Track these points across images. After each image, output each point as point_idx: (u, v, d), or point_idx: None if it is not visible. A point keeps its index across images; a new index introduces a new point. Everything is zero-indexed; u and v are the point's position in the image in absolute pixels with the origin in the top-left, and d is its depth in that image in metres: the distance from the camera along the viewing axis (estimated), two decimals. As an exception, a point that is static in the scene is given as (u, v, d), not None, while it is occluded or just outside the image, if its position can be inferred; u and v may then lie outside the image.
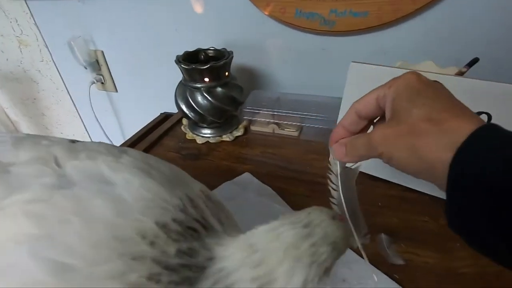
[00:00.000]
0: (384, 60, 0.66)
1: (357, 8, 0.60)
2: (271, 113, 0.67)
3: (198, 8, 0.74)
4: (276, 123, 0.67)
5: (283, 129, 0.68)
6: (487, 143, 0.19)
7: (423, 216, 0.45)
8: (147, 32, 0.81)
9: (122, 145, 0.66)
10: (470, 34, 0.58)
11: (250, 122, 0.70)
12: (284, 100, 0.70)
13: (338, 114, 0.54)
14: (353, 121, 0.28)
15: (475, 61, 0.47)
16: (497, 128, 0.20)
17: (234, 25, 0.73)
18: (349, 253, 0.40)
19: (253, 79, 0.78)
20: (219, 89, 0.61)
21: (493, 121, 0.41)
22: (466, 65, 0.47)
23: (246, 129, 0.69)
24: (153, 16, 0.78)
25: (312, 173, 0.56)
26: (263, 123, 0.69)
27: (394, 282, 0.36)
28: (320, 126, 0.63)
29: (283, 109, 0.66)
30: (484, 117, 0.41)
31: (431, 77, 0.43)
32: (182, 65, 0.58)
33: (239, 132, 0.67)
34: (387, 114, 0.25)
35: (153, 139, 0.67)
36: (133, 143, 0.67)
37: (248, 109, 0.66)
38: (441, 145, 0.20)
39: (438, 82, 0.26)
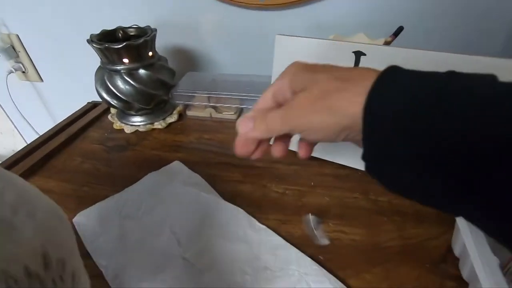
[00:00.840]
0: (320, 33, 0.63)
1: (288, -21, 0.56)
2: (207, 96, 0.62)
3: (119, -19, 0.66)
4: (213, 107, 0.63)
5: (221, 113, 0.64)
6: (394, 84, 0.19)
7: (354, 193, 0.44)
8: (64, 10, 0.72)
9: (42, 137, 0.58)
10: (400, 4, 0.57)
11: (186, 106, 0.65)
12: (221, 82, 0.65)
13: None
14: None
15: (400, 29, 0.46)
16: (400, 69, 0.21)
17: (161, 2, 0.66)
18: (275, 238, 0.38)
19: (187, 60, 0.73)
20: (142, 71, 0.55)
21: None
22: (392, 34, 0.46)
23: (182, 115, 0.64)
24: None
25: (248, 156, 0.53)
26: (199, 108, 0.64)
27: (317, 264, 0.34)
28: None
29: (220, 91, 0.62)
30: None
31: (360, 47, 0.41)
32: (94, 45, 0.51)
33: (172, 119, 0.62)
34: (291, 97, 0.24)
35: (74, 130, 0.60)
36: (50, 137, 0.59)
37: (182, 92, 0.61)
38: (355, 96, 0.20)
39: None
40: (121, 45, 0.50)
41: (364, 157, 0.20)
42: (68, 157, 0.55)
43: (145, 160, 0.54)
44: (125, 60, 0.53)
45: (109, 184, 0.48)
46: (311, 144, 0.28)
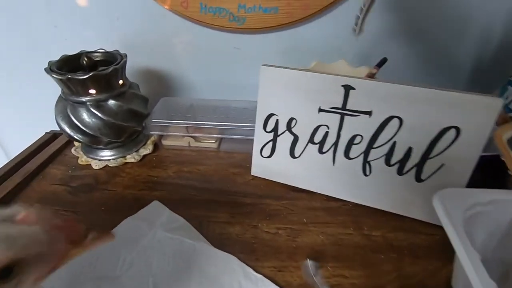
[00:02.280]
0: (300, 58, 0.62)
1: (266, 4, 0.54)
2: (185, 124, 0.58)
3: (82, 1, 0.60)
4: (192, 135, 0.59)
5: (200, 141, 0.60)
6: None
7: (347, 228, 0.43)
8: (19, 30, 0.64)
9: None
10: (377, 31, 0.58)
11: (161, 136, 0.60)
12: (199, 108, 0.61)
13: (256, 119, 0.49)
14: None
15: (383, 61, 0.46)
16: None
17: (130, 21, 0.61)
18: (274, 290, 0.35)
19: (160, 84, 0.68)
20: (111, 102, 0.49)
21: (404, 123, 0.40)
22: (376, 65, 0.46)
23: (157, 145, 0.59)
24: (25, 8, 0.61)
25: (234, 191, 0.50)
26: (176, 137, 0.59)
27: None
28: (240, 137, 0.57)
29: (198, 118, 0.58)
30: (396, 121, 0.40)
31: (350, 81, 0.41)
32: (54, 75, 0.45)
33: (147, 150, 0.57)
34: None
35: (32, 169, 0.52)
36: (2, 177, 0.51)
37: (156, 122, 0.56)
38: None
39: None
40: (86, 76, 0.45)
41: None
42: (24, 203, 0.47)
43: (118, 201, 0.48)
44: (92, 91, 0.47)
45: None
46: None
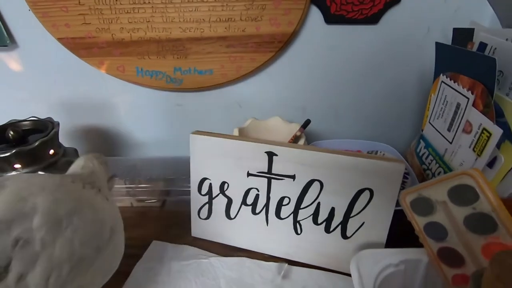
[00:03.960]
0: (241, 112, 0.65)
1: (201, 66, 0.57)
2: (127, 186, 0.57)
3: (15, 65, 0.59)
4: (133, 195, 0.58)
5: (143, 201, 0.59)
6: None
7: None
8: None
9: None
10: (309, 87, 0.62)
11: (102, 198, 0.58)
12: (143, 166, 0.61)
13: (190, 184, 0.49)
14: None
15: (307, 123, 0.49)
16: None
17: (66, 83, 0.61)
18: None
19: (103, 145, 0.67)
20: (41, 173, 0.48)
21: (325, 186, 0.42)
22: (301, 127, 0.49)
23: (97, 209, 0.58)
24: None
25: (173, 256, 0.49)
26: (117, 198, 0.58)
27: None
28: (182, 197, 0.57)
29: (142, 178, 0.58)
30: (317, 184, 0.42)
31: (272, 148, 0.43)
32: (-27, 154, 0.43)
33: (84, 216, 0.55)
34: None
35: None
36: None
37: (94, 185, 0.55)
38: None
39: None
40: (9, 153, 0.43)
41: None
42: None
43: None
44: (17, 166, 0.46)
45: None
46: None
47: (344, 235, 0.44)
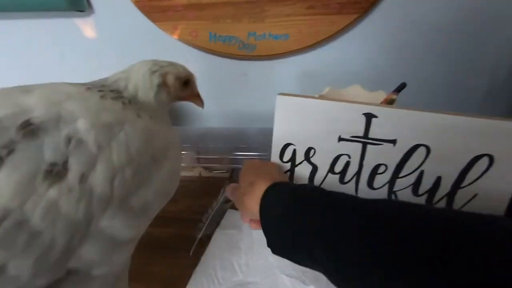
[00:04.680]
0: (311, 83, 0.61)
1: (277, 31, 0.54)
2: (195, 155, 0.56)
3: (90, 32, 0.59)
4: (203, 166, 0.57)
5: (212, 172, 0.57)
6: (272, 194, 0.32)
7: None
8: (25, 61, 0.63)
9: None
10: (393, 54, 0.57)
11: (171, 166, 0.58)
12: (210, 137, 0.60)
13: (272, 150, 0.47)
14: None
15: (402, 86, 0.44)
16: (278, 184, 0.34)
17: (138, 51, 0.61)
18: None
19: (170, 115, 0.67)
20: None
21: (432, 152, 0.38)
22: (395, 90, 0.44)
23: (167, 177, 0.57)
24: (32, 40, 0.61)
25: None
26: (187, 167, 0.57)
27: None
28: (253, 165, 0.55)
29: (209, 148, 0.56)
30: (423, 150, 0.38)
31: (371, 109, 0.39)
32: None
33: (157, 183, 0.54)
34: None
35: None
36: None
37: (166, 152, 0.54)
38: (254, 199, 0.33)
39: (260, 161, 0.44)
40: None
41: (267, 244, 0.31)
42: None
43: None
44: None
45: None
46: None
47: (450, 208, 0.39)
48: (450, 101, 0.59)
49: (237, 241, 0.43)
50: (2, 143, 0.19)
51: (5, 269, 0.18)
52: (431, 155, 0.38)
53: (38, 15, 0.58)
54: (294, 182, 0.46)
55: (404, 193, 0.41)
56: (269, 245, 0.31)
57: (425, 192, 0.40)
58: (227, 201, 0.43)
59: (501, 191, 0.36)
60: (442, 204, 0.39)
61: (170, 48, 0.59)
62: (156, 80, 0.32)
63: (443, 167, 0.38)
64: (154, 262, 0.42)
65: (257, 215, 0.32)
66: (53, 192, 0.19)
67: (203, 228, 0.43)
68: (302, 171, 0.45)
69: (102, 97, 0.27)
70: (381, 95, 0.50)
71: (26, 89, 0.24)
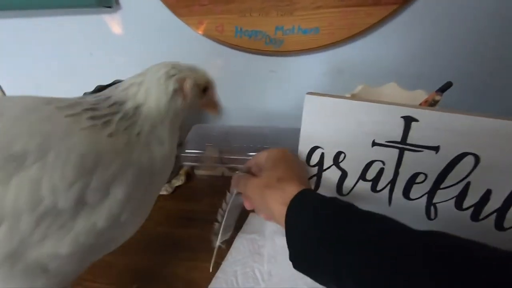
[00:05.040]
0: (344, 81, 0.58)
1: (306, 25, 0.51)
2: (218, 154, 0.54)
3: (117, 28, 0.59)
4: (226, 165, 0.55)
5: (235, 171, 0.56)
6: (301, 203, 0.29)
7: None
8: (56, 57, 0.65)
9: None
10: (436, 49, 0.52)
11: (194, 165, 0.57)
12: (234, 135, 0.58)
13: (298, 148, 0.44)
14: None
15: (448, 85, 0.40)
16: (308, 192, 0.29)
17: (163, 46, 0.60)
18: None
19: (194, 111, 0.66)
20: (145, 134, 0.47)
21: (482, 161, 0.33)
22: (439, 90, 0.40)
23: (189, 175, 0.56)
24: (62, 37, 0.62)
25: (273, 230, 0.45)
26: (209, 166, 0.56)
27: None
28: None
29: (233, 147, 0.55)
30: (470, 158, 0.34)
31: (410, 112, 0.35)
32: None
33: (179, 181, 0.54)
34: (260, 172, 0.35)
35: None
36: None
37: (189, 153, 0.54)
38: (281, 204, 0.29)
39: (294, 154, 0.39)
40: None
41: (290, 257, 0.28)
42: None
43: (151, 241, 0.45)
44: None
45: (109, 278, 0.39)
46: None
47: (499, 226, 0.35)
48: (501, 104, 0.53)
49: (259, 247, 0.42)
50: None
51: None
52: (480, 165, 0.33)
53: (68, 11, 0.58)
54: (321, 187, 0.44)
55: (445, 206, 0.37)
56: (291, 259, 0.28)
57: (470, 206, 0.35)
58: (239, 192, 0.38)
59: None
60: (491, 221, 0.35)
61: (195, 44, 0.58)
62: (172, 85, 0.29)
63: (494, 180, 0.33)
64: (175, 263, 0.41)
65: (278, 219, 0.29)
66: None
67: (219, 234, 0.41)
68: (330, 177, 0.42)
69: (73, 120, 0.24)
70: (421, 95, 0.45)
71: None
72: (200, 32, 0.55)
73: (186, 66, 0.32)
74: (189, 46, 0.58)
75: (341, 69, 0.56)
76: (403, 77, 0.54)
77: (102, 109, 0.26)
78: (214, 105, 0.37)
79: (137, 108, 0.28)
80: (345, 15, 0.49)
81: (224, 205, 0.40)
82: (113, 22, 0.59)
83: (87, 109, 0.25)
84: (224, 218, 0.40)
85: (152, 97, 0.28)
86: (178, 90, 0.30)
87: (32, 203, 0.20)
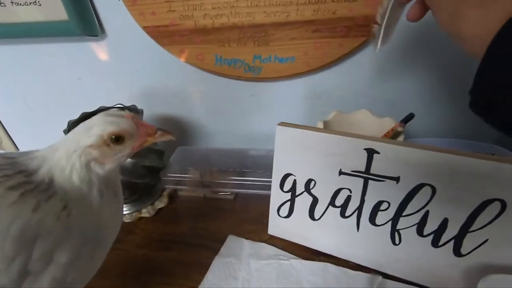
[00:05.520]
0: (319, 105, 0.60)
1: (282, 54, 0.53)
2: (200, 177, 0.56)
3: (103, 55, 0.62)
4: (208, 186, 0.57)
5: (216, 193, 0.58)
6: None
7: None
8: (45, 82, 0.67)
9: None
10: (403, 78, 0.55)
11: (176, 186, 0.59)
12: (215, 158, 0.60)
13: (272, 178, 0.46)
14: None
15: (410, 117, 0.42)
16: None
17: (149, 72, 0.62)
18: None
19: (178, 133, 0.68)
20: (127, 160, 0.49)
21: (438, 192, 0.35)
22: (402, 121, 0.42)
23: (172, 197, 0.58)
24: (51, 63, 0.64)
25: (249, 253, 0.47)
26: (191, 189, 0.58)
27: None
28: (257, 192, 0.54)
29: (214, 171, 0.57)
30: (428, 189, 0.36)
31: (372, 144, 0.37)
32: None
33: (162, 203, 0.56)
34: None
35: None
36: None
37: (172, 176, 0.55)
38: (480, 21, 0.23)
39: None
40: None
41: (473, 93, 0.24)
42: None
43: (130, 263, 0.46)
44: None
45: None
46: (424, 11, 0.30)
47: (457, 252, 0.37)
48: (467, 131, 0.55)
49: (234, 271, 0.43)
50: None
51: None
52: (437, 196, 0.36)
53: (58, 39, 0.61)
54: (295, 212, 0.46)
55: (408, 232, 0.39)
56: (474, 94, 0.24)
57: (430, 233, 0.37)
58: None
59: (515, 238, 0.33)
60: (450, 247, 0.37)
61: (178, 70, 0.60)
62: (77, 161, 0.27)
63: (450, 209, 0.36)
64: (153, 287, 0.43)
65: (471, 44, 0.24)
66: None
67: (380, 38, 0.35)
68: (303, 202, 0.44)
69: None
70: (390, 122, 0.48)
71: None
72: (182, 60, 0.57)
73: (84, 128, 0.28)
74: (174, 72, 0.61)
75: (318, 94, 0.59)
76: (376, 102, 0.56)
77: (18, 177, 0.25)
78: (153, 139, 0.31)
79: (51, 182, 0.26)
80: (319, 46, 0.51)
81: (385, 1, 0.33)
82: (99, 50, 0.61)
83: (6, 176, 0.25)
84: (386, 18, 0.33)
85: (59, 179, 0.27)
86: (89, 161, 0.28)
87: None
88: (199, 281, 0.42)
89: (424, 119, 0.57)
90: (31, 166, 0.27)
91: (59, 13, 0.54)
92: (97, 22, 0.57)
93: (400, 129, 0.42)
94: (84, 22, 0.55)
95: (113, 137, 0.28)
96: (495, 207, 0.33)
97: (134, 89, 0.64)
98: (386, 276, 0.41)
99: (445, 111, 0.56)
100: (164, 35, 0.54)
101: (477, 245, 0.35)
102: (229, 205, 0.57)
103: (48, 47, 0.62)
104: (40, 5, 0.54)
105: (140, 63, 0.61)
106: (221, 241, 0.49)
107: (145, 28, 0.55)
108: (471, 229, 0.35)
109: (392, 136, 0.43)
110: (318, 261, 0.44)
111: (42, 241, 0.24)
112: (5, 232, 0.22)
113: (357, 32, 0.49)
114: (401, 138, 0.43)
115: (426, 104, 0.56)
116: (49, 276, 0.24)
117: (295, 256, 0.45)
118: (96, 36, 0.58)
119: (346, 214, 0.42)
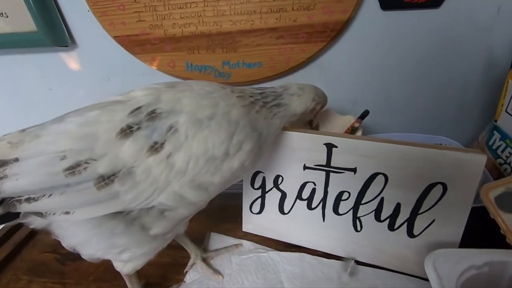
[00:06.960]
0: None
1: (250, 60, 0.56)
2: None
3: (74, 65, 0.62)
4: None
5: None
6: None
7: None
8: (16, 93, 0.66)
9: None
10: (362, 78, 0.59)
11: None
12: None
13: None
14: None
15: (366, 114, 0.46)
16: None
17: (121, 80, 0.63)
18: None
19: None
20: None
21: (390, 180, 0.39)
22: (358, 118, 0.46)
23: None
24: (20, 75, 0.64)
25: (225, 250, 0.48)
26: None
27: None
28: (232, 191, 0.56)
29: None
30: (381, 178, 0.40)
31: (331, 139, 0.41)
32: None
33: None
34: None
35: (24, 235, 0.52)
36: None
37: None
38: None
39: None
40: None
41: None
42: (12, 276, 0.46)
43: (106, 270, 0.47)
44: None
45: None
46: None
47: (410, 233, 0.40)
48: (422, 123, 0.61)
49: (215, 266, 0.45)
50: (136, 121, 0.30)
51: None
52: (389, 183, 0.39)
53: (27, 50, 0.61)
54: (266, 207, 0.48)
55: (367, 219, 0.42)
56: None
57: (386, 218, 0.41)
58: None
59: (456, 217, 0.37)
60: (404, 229, 0.40)
61: (150, 77, 0.62)
62: (312, 106, 0.43)
63: (401, 194, 0.39)
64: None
65: None
66: (150, 160, 0.30)
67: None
68: (273, 197, 0.47)
69: (240, 99, 0.36)
70: (350, 120, 0.51)
71: (171, 85, 0.35)
72: (154, 67, 0.59)
73: (322, 94, 0.46)
74: (146, 79, 0.62)
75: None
76: (342, 101, 0.61)
77: (264, 97, 0.39)
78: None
79: (286, 105, 0.40)
80: (283, 51, 0.55)
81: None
82: (70, 59, 0.61)
83: (252, 94, 0.38)
84: None
85: (298, 103, 0.42)
86: (313, 109, 0.44)
87: (203, 151, 0.31)
88: (177, 281, 0.44)
89: (384, 116, 0.62)
90: (284, 93, 0.41)
91: (27, 24, 0.54)
92: (66, 32, 0.58)
93: (357, 125, 0.46)
94: (53, 32, 0.56)
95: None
96: (437, 190, 0.37)
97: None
98: (355, 262, 0.44)
99: (404, 109, 0.62)
100: (135, 44, 0.56)
101: (426, 225, 0.39)
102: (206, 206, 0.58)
103: (17, 59, 0.62)
104: (7, 16, 0.55)
105: (112, 71, 0.62)
106: (199, 241, 0.50)
107: (115, 37, 0.56)
108: (420, 211, 0.39)
109: (351, 131, 0.47)
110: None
111: (239, 133, 0.34)
112: (222, 122, 0.33)
113: (317, 38, 0.53)
114: (359, 133, 0.47)
115: (385, 102, 0.61)
116: (238, 158, 0.34)
117: (272, 249, 0.47)
118: (66, 46, 0.59)
119: (313, 206, 0.45)
